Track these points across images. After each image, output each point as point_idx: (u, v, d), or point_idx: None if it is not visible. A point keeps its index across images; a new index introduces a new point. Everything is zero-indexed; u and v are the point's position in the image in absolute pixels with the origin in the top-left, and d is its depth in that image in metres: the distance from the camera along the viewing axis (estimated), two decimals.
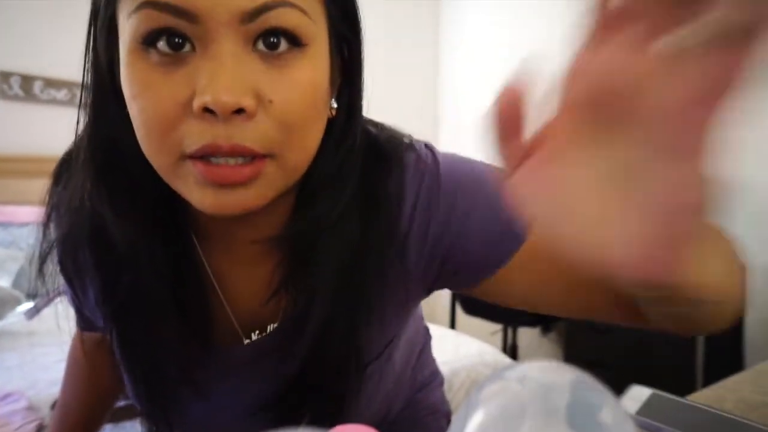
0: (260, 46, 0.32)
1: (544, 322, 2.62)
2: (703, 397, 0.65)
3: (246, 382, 0.43)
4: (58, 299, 1.16)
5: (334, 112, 0.40)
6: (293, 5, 0.32)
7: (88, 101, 0.38)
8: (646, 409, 0.58)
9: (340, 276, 0.39)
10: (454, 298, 2.70)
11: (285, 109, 0.33)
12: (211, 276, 0.42)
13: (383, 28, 3.21)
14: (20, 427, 0.85)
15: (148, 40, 0.31)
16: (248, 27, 0.31)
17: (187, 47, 0.32)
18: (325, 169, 0.38)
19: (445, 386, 1.23)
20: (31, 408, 0.93)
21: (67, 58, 2.78)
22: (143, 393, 0.43)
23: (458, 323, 2.80)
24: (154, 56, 0.32)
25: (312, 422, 0.40)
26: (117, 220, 0.37)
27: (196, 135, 0.31)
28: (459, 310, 2.79)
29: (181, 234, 0.40)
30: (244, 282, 0.42)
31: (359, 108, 0.41)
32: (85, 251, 0.41)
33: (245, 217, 0.35)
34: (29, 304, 1.63)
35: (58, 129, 2.91)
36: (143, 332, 0.40)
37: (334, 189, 0.38)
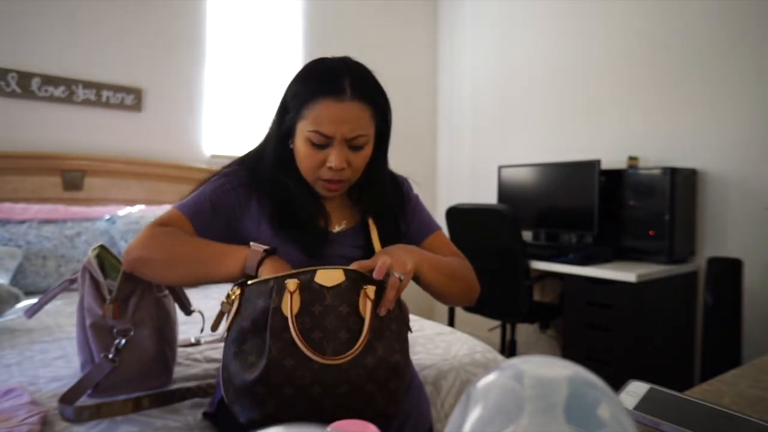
0: (351, 145, 0.87)
1: (542, 318, 2.62)
2: (701, 392, 0.65)
3: (337, 245, 0.95)
4: (58, 296, 1.15)
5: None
6: (363, 135, 0.87)
7: (272, 136, 0.94)
8: (645, 403, 0.58)
9: (378, 209, 0.98)
10: None
11: (356, 167, 0.90)
12: (325, 207, 0.96)
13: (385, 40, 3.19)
14: (25, 419, 0.84)
15: (311, 141, 0.86)
16: (348, 142, 0.87)
17: (326, 146, 0.87)
18: (373, 174, 0.97)
19: (432, 389, 1.21)
20: (34, 402, 0.93)
21: (65, 55, 2.76)
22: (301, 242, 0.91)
23: (457, 320, 2.81)
24: (313, 145, 0.87)
25: None
26: (294, 185, 0.92)
27: (326, 174, 0.89)
28: (458, 308, 2.79)
29: (315, 195, 0.95)
30: (333, 211, 0.98)
31: (387, 145, 0.98)
32: (264, 195, 0.93)
33: (335, 196, 0.96)
34: (29, 302, 1.63)
35: (55, 126, 2.88)
36: (297, 222, 0.92)
37: (378, 180, 0.98)
